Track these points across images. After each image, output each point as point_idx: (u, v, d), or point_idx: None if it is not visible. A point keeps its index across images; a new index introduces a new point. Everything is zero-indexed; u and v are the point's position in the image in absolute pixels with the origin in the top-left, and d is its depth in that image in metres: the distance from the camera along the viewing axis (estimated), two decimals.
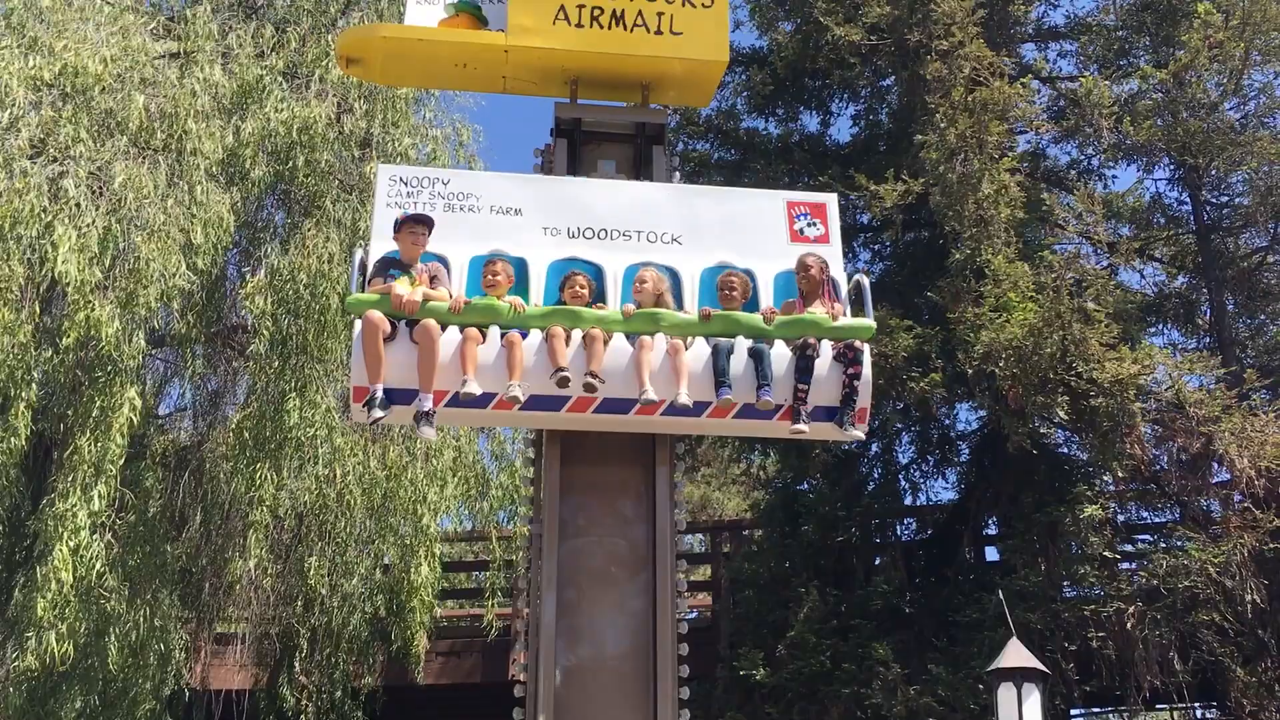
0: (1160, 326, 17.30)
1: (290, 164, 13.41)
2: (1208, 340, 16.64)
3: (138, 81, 12.48)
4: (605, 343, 7.27)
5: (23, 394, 10.91)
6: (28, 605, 10.59)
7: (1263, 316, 16.61)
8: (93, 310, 11.07)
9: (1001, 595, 11.69)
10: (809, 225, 8.36)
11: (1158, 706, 15.11)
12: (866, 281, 8.03)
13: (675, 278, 7.96)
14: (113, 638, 11.50)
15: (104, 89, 12.19)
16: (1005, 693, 10.12)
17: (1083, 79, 15.92)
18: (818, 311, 7.61)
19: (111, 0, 13.49)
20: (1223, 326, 15.95)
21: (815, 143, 19.14)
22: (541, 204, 8.25)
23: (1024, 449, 13.80)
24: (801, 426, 7.33)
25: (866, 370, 7.53)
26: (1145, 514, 15.98)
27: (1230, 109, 15.85)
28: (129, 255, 11.44)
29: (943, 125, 14.48)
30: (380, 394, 6.97)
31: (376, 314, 7.04)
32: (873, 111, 19.26)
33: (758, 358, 7.37)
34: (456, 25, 9.70)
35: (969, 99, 14.45)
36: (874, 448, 17.81)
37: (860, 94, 19.16)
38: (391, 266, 7.45)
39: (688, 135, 18.81)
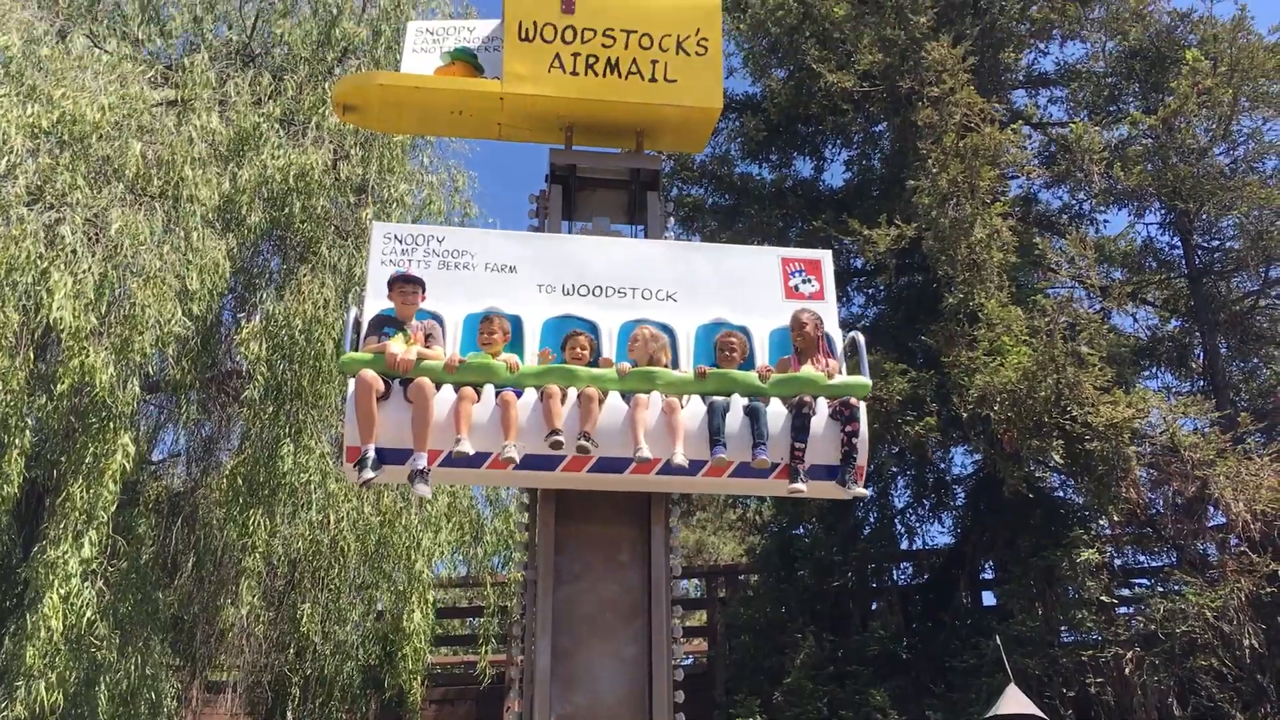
0: (1154, 370, 17.35)
1: (286, 210, 13.45)
2: (1201, 384, 16.69)
3: (135, 129, 12.53)
4: (600, 402, 7.24)
5: (16, 441, 10.85)
6: (17, 654, 10.47)
7: (1256, 360, 16.65)
8: (87, 356, 11.04)
9: (999, 641, 11.62)
10: (804, 282, 8.39)
11: None
12: (862, 339, 8.03)
13: (671, 335, 7.94)
14: (103, 686, 11.35)
15: (101, 136, 12.24)
16: None
17: (1073, 124, 16.08)
18: (813, 369, 7.60)
19: (109, 49, 13.59)
20: (1216, 370, 16.00)
21: (809, 188, 19.27)
22: (536, 261, 8.25)
23: (1020, 493, 13.79)
24: (799, 486, 7.26)
25: (864, 428, 7.46)
26: (1142, 558, 15.96)
27: (1220, 154, 16.00)
28: (124, 301, 11.43)
29: (934, 170, 14.59)
30: (372, 455, 6.96)
31: (370, 374, 7.02)
32: (865, 157, 19.43)
33: (754, 416, 7.33)
34: (452, 73, 9.80)
35: (960, 144, 14.58)
36: (870, 490, 17.77)
37: (853, 140, 19.34)
38: (386, 325, 7.43)
39: (682, 180, 18.95)
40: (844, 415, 7.40)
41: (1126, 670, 13.05)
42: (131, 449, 11.27)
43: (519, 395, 7.21)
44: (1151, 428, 14.22)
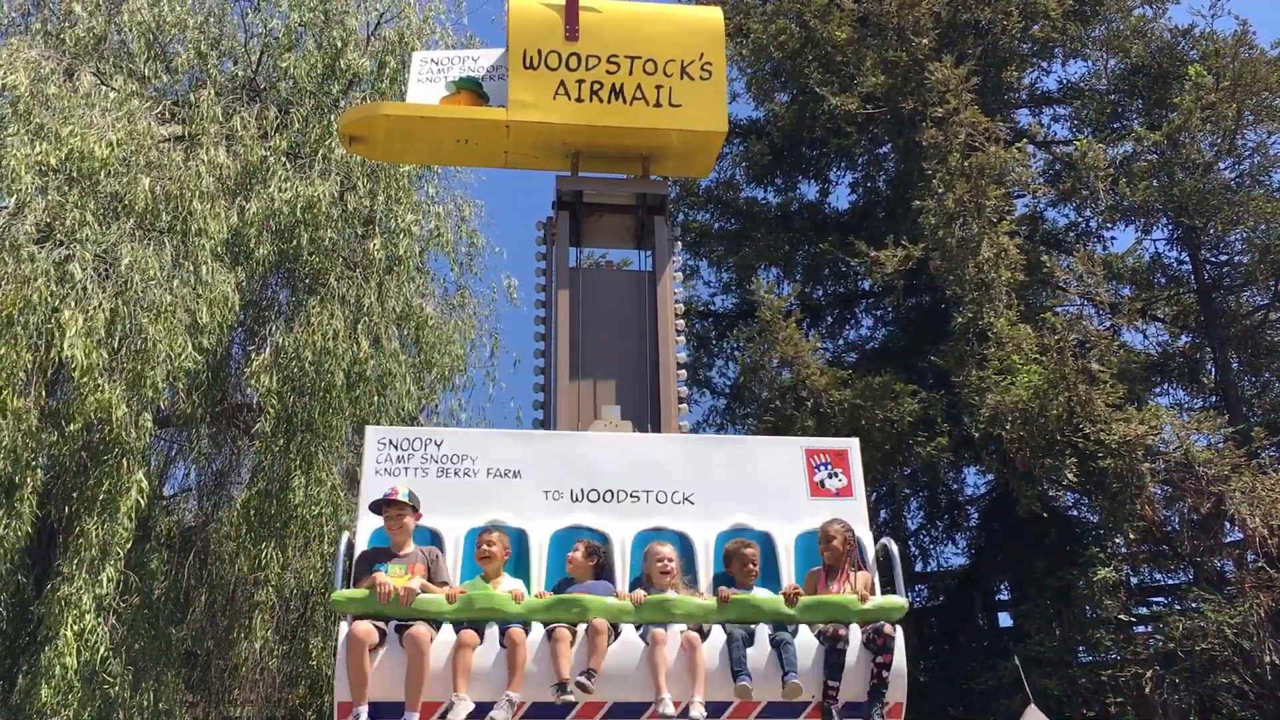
0: (1166, 386, 17.29)
1: (294, 242, 13.44)
2: (1214, 399, 16.60)
3: (143, 164, 12.56)
4: (611, 637, 6.63)
5: (28, 479, 10.83)
6: (32, 691, 10.41)
7: (1268, 374, 16.58)
8: (101, 393, 11.02)
9: (1018, 661, 11.51)
10: (830, 476, 7.82)
11: None
12: (894, 547, 7.38)
13: (687, 545, 7.36)
14: None
15: (110, 173, 12.27)
16: None
17: (1077, 142, 16.08)
18: (843, 588, 6.97)
19: (116, 86, 13.66)
20: (1228, 385, 15.93)
21: (814, 211, 19.30)
22: (542, 464, 7.65)
23: (1033, 512, 13.71)
24: None
25: (900, 660, 6.78)
26: (1159, 576, 15.85)
27: (1225, 168, 15.99)
28: (136, 337, 11.42)
29: (940, 190, 14.60)
30: (365, 716, 6.34)
31: (362, 627, 6.42)
32: (870, 179, 19.45)
33: (780, 648, 6.68)
34: (458, 102, 9.83)
35: (965, 164, 14.58)
36: (882, 514, 17.70)
37: (858, 162, 19.37)
38: (377, 561, 6.81)
39: (688, 206, 18.99)
40: (876, 645, 6.73)
41: (1146, 689, 12.92)
42: (145, 485, 11.23)
43: (527, 631, 6.60)
44: (1165, 444, 14.14)
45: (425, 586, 6.65)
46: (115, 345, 11.33)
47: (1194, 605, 13.36)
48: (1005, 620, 17.08)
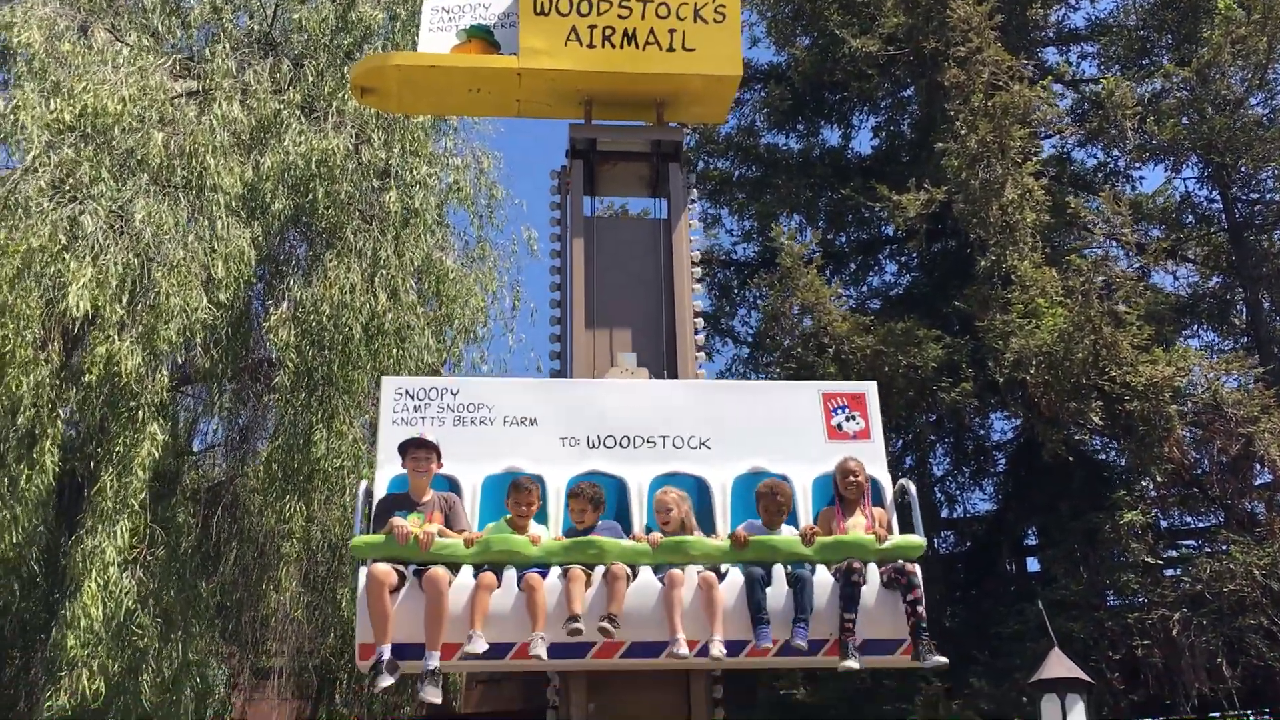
0: (1195, 327, 17.04)
1: (310, 196, 13.41)
2: (1244, 340, 16.37)
3: (157, 120, 12.57)
4: (629, 580, 6.68)
5: (49, 431, 10.95)
6: (59, 642, 10.59)
7: None
8: (112, 345, 11.10)
9: (1041, 605, 11.46)
10: (847, 419, 7.80)
11: (1210, 715, 14.77)
12: (913, 487, 7.42)
13: (704, 489, 7.40)
14: (145, 674, 11.46)
15: (124, 129, 12.28)
16: (1049, 704, 9.89)
17: (1104, 80, 15.76)
18: (859, 525, 7.02)
19: (130, 42, 13.61)
20: (1259, 325, 15.69)
21: (836, 156, 19.04)
22: (558, 412, 7.71)
23: (1059, 456, 13.58)
24: (851, 663, 6.66)
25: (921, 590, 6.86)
26: (1189, 519, 15.71)
27: (1256, 104, 15.66)
28: (150, 291, 11.47)
29: (963, 132, 14.34)
30: (387, 656, 6.44)
31: (381, 568, 6.52)
32: (894, 122, 19.18)
33: (798, 587, 6.74)
34: (469, 51, 9.73)
35: (989, 104, 14.32)
36: (908, 460, 17.63)
37: (880, 105, 19.08)
38: (397, 508, 6.89)
39: (708, 153, 18.79)
40: (901, 584, 6.80)
41: (1174, 631, 12.83)
42: (160, 437, 11.28)
43: (544, 575, 6.68)
44: (1194, 386, 13.97)
45: (443, 532, 6.74)
46: (127, 299, 11.37)
47: (1223, 547, 13.25)
48: (1034, 565, 17.06)
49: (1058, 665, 10.04)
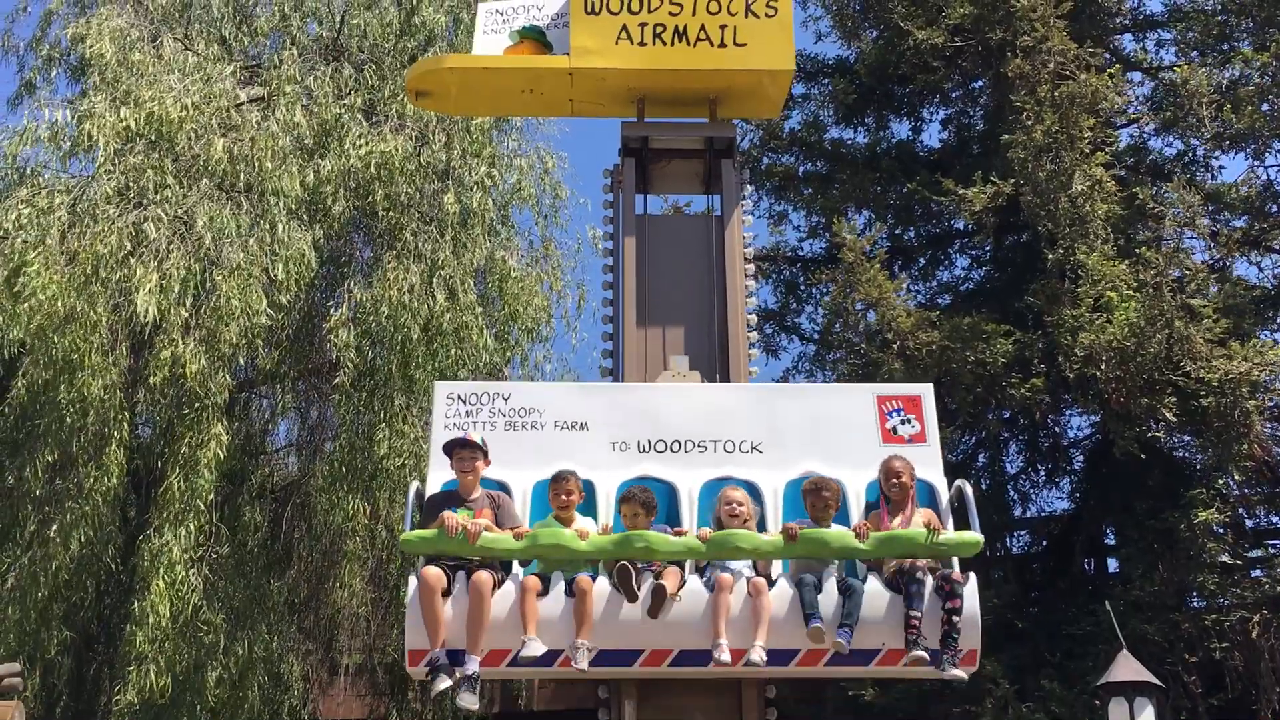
0: None
1: (370, 199, 13.59)
2: None
3: (220, 126, 12.83)
4: (680, 585, 6.65)
5: (115, 434, 11.25)
6: (127, 639, 10.86)
7: None
8: (177, 348, 11.34)
9: (1109, 606, 11.18)
10: (903, 423, 7.65)
11: None
12: (969, 488, 7.21)
13: (756, 494, 7.28)
14: (211, 670, 11.70)
15: (188, 135, 12.57)
16: (1117, 707, 9.65)
17: (1178, 68, 15.32)
18: (907, 524, 6.83)
19: (198, 50, 13.92)
20: None
21: (905, 150, 18.74)
22: (609, 416, 7.69)
23: (1132, 454, 13.23)
24: (920, 652, 6.52)
25: (971, 604, 6.69)
26: (1275, 519, 15.23)
27: None
28: (212, 295, 11.72)
29: (1029, 123, 14.03)
30: (443, 659, 6.44)
31: (433, 572, 6.54)
32: (965, 115, 18.84)
33: (847, 594, 6.62)
34: (522, 52, 9.81)
35: (1055, 94, 13.98)
36: (980, 459, 17.32)
37: (951, 98, 18.75)
38: (447, 505, 6.88)
39: (773, 150, 18.61)
40: (945, 591, 6.65)
41: (1253, 634, 12.45)
42: (225, 438, 11.53)
43: (594, 579, 6.66)
44: (1275, 380, 13.51)
45: (490, 529, 6.75)
46: (190, 303, 11.62)
47: None
48: (1112, 565, 16.66)
49: (1126, 668, 9.78)
